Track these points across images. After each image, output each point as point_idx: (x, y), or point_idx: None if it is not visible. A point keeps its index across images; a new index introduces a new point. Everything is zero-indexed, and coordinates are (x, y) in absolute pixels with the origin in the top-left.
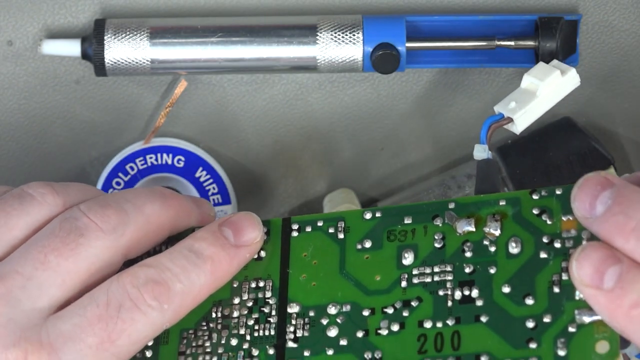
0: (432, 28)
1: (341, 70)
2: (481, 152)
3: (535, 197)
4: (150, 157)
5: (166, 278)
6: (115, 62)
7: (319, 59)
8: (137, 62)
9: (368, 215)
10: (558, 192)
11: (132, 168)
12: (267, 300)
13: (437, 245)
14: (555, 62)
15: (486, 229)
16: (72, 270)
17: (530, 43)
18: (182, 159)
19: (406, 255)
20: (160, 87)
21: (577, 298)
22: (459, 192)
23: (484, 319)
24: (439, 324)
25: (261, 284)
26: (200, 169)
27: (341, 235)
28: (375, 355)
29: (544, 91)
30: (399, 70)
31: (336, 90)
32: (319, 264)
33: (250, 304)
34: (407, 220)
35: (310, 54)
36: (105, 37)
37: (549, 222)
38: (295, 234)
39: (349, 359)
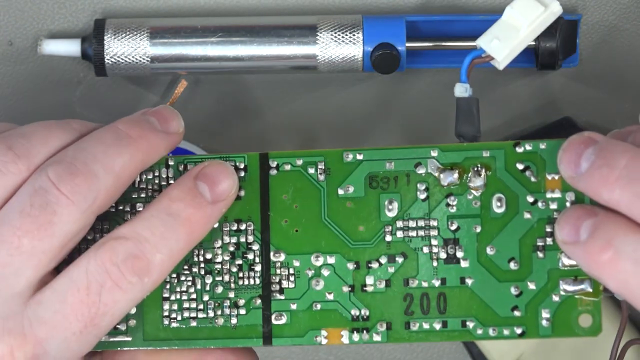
0: (432, 28)
1: (341, 70)
2: (462, 91)
3: (519, 150)
4: None
5: (145, 251)
6: (115, 62)
7: (319, 59)
8: (137, 62)
9: (349, 157)
10: (542, 146)
11: None
12: (249, 245)
13: (420, 196)
14: None
15: (470, 184)
16: (47, 249)
17: (530, 43)
18: None
19: (390, 206)
20: (160, 87)
21: (560, 267)
22: None
23: (469, 281)
24: (425, 284)
25: (242, 226)
26: None
27: (322, 177)
28: (363, 314)
29: (527, 28)
30: (399, 70)
31: (336, 90)
32: (300, 209)
33: (232, 248)
34: (389, 166)
35: (310, 54)
36: (105, 37)
37: (533, 179)
38: (274, 172)
39: (336, 316)
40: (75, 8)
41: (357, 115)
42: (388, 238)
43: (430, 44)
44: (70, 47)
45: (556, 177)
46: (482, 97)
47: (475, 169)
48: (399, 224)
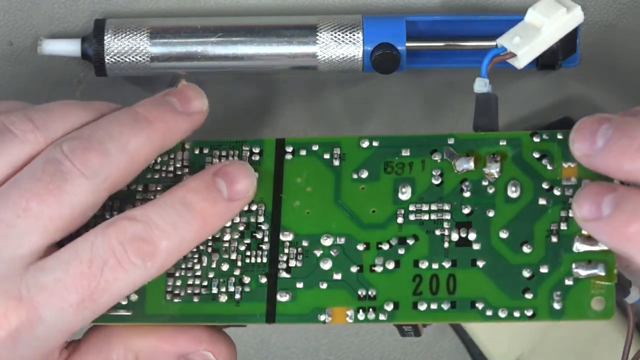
0: (432, 28)
1: (341, 70)
2: (482, 85)
3: (536, 139)
4: None
5: (153, 236)
6: (115, 62)
7: (319, 59)
8: (137, 62)
9: (365, 144)
10: (559, 136)
11: None
12: (259, 225)
13: (435, 182)
14: None
15: (486, 170)
16: (55, 216)
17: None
18: None
19: (403, 190)
20: (160, 87)
21: (574, 250)
22: None
23: (480, 263)
24: (435, 265)
25: (253, 207)
26: None
27: (337, 163)
28: (370, 293)
29: (548, 28)
30: (399, 70)
31: (336, 90)
32: (313, 192)
33: (242, 227)
34: (405, 153)
35: (310, 54)
36: (105, 37)
37: (549, 167)
38: (289, 157)
39: (343, 295)
40: (75, 8)
41: (357, 115)
42: (400, 220)
43: (430, 44)
44: (70, 47)
45: (572, 165)
46: None
47: (492, 156)
48: (412, 207)
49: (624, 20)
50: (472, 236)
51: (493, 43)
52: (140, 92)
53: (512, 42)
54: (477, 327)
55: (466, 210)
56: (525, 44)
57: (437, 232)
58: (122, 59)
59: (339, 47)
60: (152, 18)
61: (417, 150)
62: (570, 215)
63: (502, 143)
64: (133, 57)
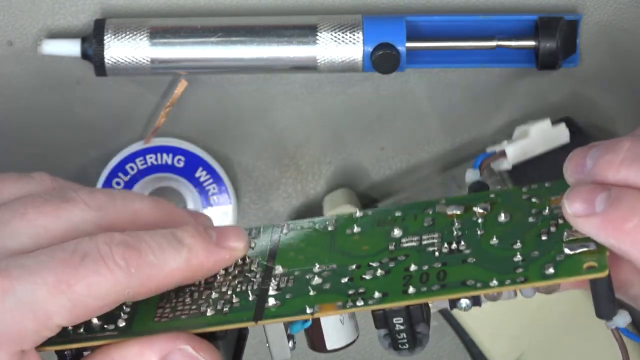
0: (432, 28)
1: (341, 70)
2: (471, 176)
3: (524, 190)
4: (150, 157)
5: (140, 247)
6: (115, 62)
7: (319, 59)
8: (137, 62)
9: (359, 214)
10: (547, 185)
11: (132, 168)
12: (252, 269)
13: (426, 224)
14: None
15: (475, 209)
16: (49, 227)
17: (530, 43)
18: (182, 159)
19: (396, 231)
20: (160, 87)
21: (565, 240)
22: (459, 192)
23: (471, 260)
24: (425, 267)
25: (247, 260)
26: (200, 169)
27: (331, 228)
28: (359, 291)
29: (536, 134)
30: (399, 70)
31: (336, 90)
32: (307, 246)
33: (236, 272)
34: (398, 214)
35: (310, 54)
36: (105, 37)
37: (537, 201)
38: (285, 231)
39: (332, 297)
40: (75, 8)
41: (357, 115)
42: (391, 248)
43: (430, 44)
44: (70, 47)
45: (560, 197)
46: (483, 97)
47: (482, 203)
48: (404, 239)
49: (623, 20)
50: (462, 247)
51: (493, 43)
52: (140, 92)
53: (500, 145)
54: (477, 327)
55: (456, 232)
56: (515, 145)
57: (429, 249)
58: (122, 59)
59: (339, 47)
60: (152, 18)
61: (410, 209)
62: (560, 221)
63: (492, 196)
64: (133, 57)
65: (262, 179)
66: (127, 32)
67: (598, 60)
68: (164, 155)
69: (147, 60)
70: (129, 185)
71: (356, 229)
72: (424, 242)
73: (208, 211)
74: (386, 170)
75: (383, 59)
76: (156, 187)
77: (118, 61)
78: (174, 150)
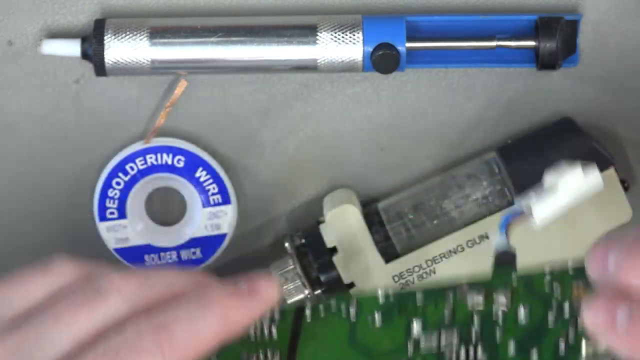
0: (432, 28)
1: (341, 70)
2: (499, 242)
3: (547, 274)
4: (150, 157)
5: (168, 324)
6: (115, 62)
7: (319, 59)
8: (137, 62)
9: (381, 299)
10: (570, 268)
11: (132, 168)
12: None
13: (446, 316)
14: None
15: (495, 307)
16: (85, 327)
17: (530, 43)
18: (182, 159)
19: (415, 326)
20: (160, 87)
21: (583, 354)
22: (459, 192)
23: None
24: None
25: (268, 354)
26: (200, 169)
27: (353, 311)
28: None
29: (564, 186)
30: (399, 70)
31: (336, 90)
32: (328, 337)
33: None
34: (419, 302)
35: (310, 54)
36: (105, 37)
37: (559, 288)
38: (308, 318)
39: None
40: (75, 8)
41: (357, 115)
42: (410, 349)
43: (430, 44)
44: (70, 47)
45: (582, 284)
46: (483, 97)
47: (503, 292)
48: (422, 339)
49: (624, 20)
50: (479, 350)
51: (493, 43)
52: (140, 92)
53: (527, 201)
54: None
55: (475, 331)
56: (543, 206)
57: (446, 356)
58: (122, 59)
59: (339, 47)
60: (152, 18)
61: (431, 294)
62: (579, 327)
63: (514, 285)
64: (133, 57)
65: (262, 179)
66: (127, 32)
67: (598, 60)
68: (164, 155)
69: (147, 60)
70: (128, 185)
71: (377, 317)
72: (442, 344)
73: (208, 211)
74: (386, 170)
75: (383, 59)
76: (156, 187)
77: (118, 61)
78: (174, 150)
